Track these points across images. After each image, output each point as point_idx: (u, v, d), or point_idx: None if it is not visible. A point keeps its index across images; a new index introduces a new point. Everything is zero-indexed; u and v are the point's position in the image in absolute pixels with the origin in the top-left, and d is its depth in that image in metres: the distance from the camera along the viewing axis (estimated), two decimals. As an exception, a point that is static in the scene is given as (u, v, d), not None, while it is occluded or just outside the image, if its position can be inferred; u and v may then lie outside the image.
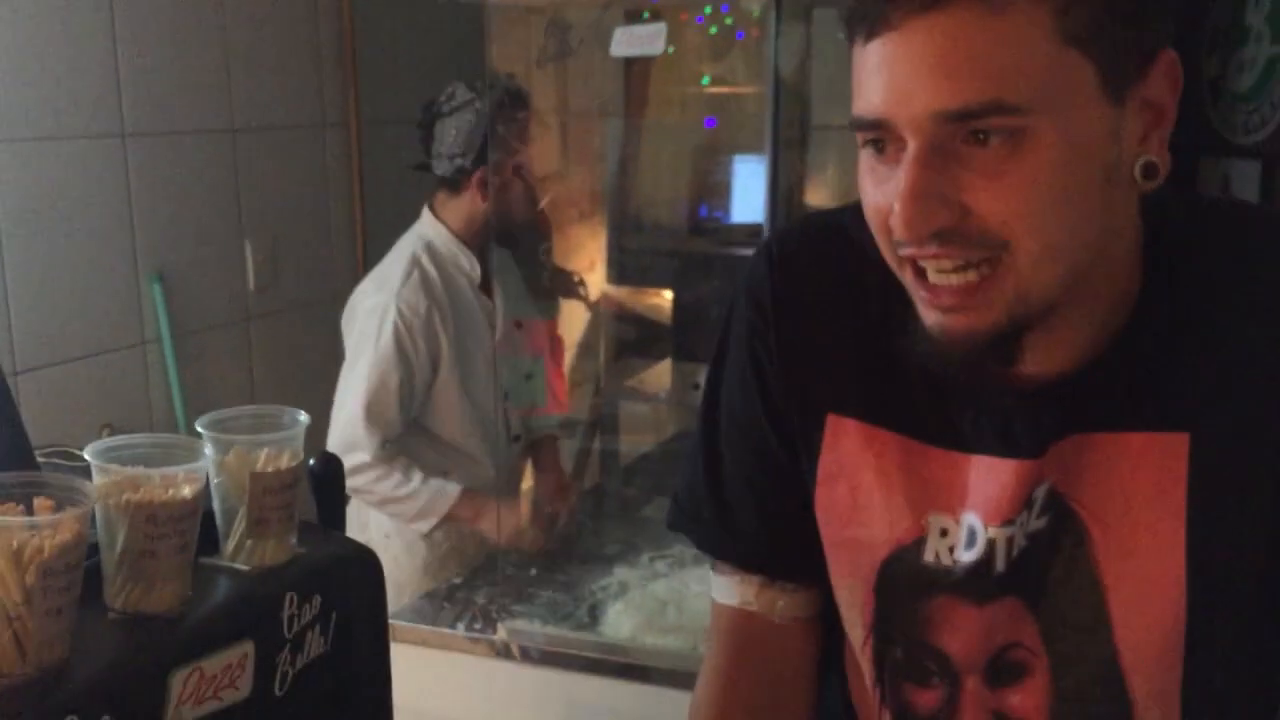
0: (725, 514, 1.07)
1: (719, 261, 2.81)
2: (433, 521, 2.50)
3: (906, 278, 0.89)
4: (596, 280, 3.10)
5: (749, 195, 2.79)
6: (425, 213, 2.59)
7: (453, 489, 2.47)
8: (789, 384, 1.02)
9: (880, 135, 0.85)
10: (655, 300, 3.04)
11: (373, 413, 2.41)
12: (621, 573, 2.36)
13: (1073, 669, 0.95)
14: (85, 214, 2.69)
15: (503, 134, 2.50)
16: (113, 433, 2.29)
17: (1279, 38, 2.62)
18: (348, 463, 2.41)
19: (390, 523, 2.56)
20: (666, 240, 2.99)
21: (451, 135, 2.53)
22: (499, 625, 2.17)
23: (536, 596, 2.29)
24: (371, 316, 2.44)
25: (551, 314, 2.90)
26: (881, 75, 0.83)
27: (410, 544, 2.56)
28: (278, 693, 1.01)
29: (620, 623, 2.16)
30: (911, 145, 0.83)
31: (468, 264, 2.57)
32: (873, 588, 1.01)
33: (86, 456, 0.94)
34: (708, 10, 2.80)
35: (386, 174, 3.43)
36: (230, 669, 0.96)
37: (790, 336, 1.02)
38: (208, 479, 1.00)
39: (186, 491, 0.95)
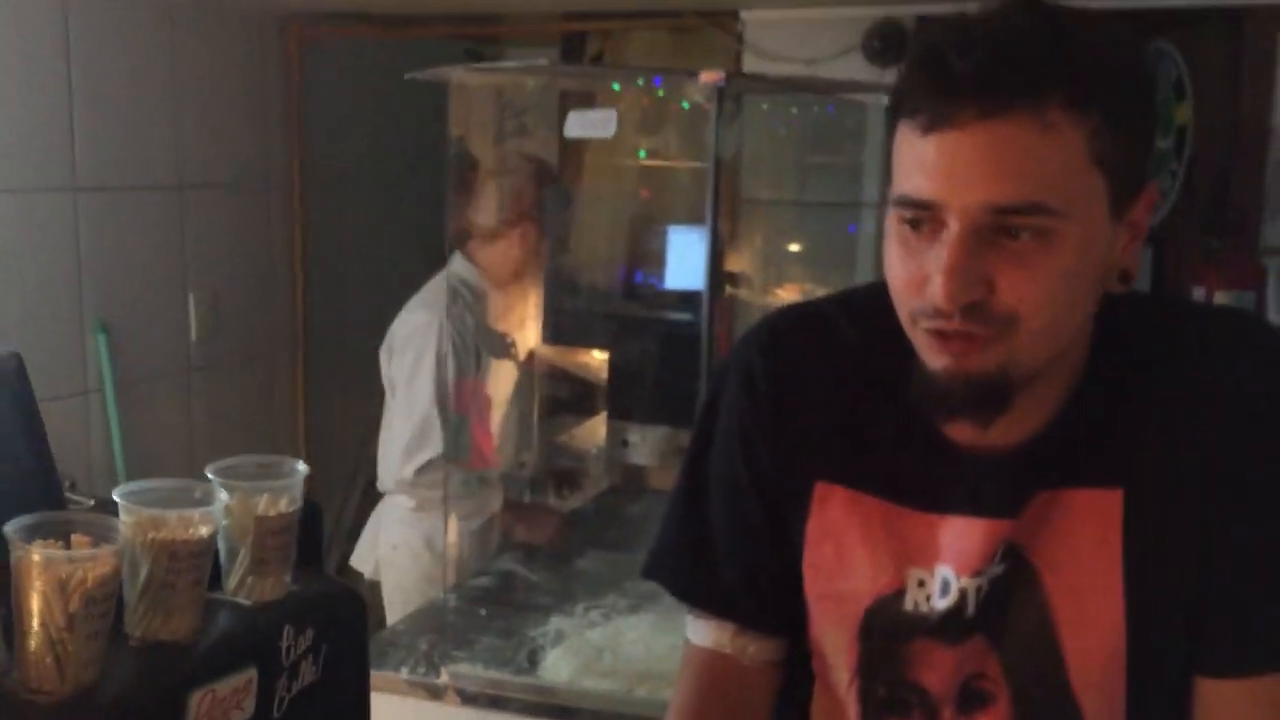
0: (705, 568, 1.18)
1: (652, 324, 2.93)
2: (483, 519, 2.82)
3: (918, 334, 1.00)
4: (531, 339, 3.21)
5: (682, 262, 2.94)
6: (458, 256, 2.86)
7: (497, 491, 2.83)
8: (780, 456, 1.14)
9: (921, 215, 0.97)
10: (589, 360, 3.16)
11: (442, 409, 2.68)
12: (558, 621, 2.46)
13: (1030, 694, 1.09)
14: (34, 264, 2.76)
15: (458, 196, 2.73)
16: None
17: (1169, 133, 2.86)
18: (421, 459, 2.68)
19: (398, 534, 2.81)
20: (601, 303, 3.12)
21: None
22: (441, 669, 2.26)
23: (477, 642, 2.38)
24: (428, 331, 2.74)
25: (481, 373, 3.02)
26: (939, 165, 0.94)
27: (416, 554, 2.79)
28: (275, 715, 1.11)
29: (559, 667, 2.26)
30: (955, 228, 0.94)
31: (492, 300, 2.89)
32: (856, 634, 1.13)
33: (115, 498, 1.04)
34: (641, 82, 2.95)
35: (327, 232, 3.54)
36: (238, 692, 1.07)
37: (782, 413, 1.14)
38: (219, 520, 1.11)
39: (203, 531, 1.06)
